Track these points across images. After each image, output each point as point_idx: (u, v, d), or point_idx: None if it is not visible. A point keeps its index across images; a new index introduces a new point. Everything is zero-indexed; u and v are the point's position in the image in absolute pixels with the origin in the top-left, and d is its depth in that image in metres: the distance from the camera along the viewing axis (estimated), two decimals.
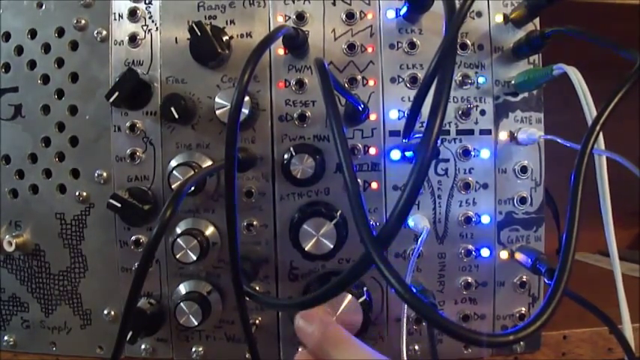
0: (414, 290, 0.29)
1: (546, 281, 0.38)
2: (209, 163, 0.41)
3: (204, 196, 0.41)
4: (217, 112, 0.39)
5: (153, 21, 0.42)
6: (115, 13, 0.42)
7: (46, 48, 0.43)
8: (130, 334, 0.38)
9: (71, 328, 0.44)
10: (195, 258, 0.38)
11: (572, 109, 0.39)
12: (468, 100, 0.42)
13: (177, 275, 0.42)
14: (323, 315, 0.36)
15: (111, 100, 0.39)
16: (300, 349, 0.37)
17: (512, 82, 0.42)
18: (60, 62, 0.43)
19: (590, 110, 0.33)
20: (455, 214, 0.42)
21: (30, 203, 0.44)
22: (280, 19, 0.41)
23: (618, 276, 0.31)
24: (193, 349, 0.43)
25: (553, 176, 0.44)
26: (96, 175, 0.42)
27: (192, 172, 0.38)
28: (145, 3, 0.42)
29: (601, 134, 0.31)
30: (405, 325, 0.30)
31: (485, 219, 0.42)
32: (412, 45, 0.42)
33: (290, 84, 0.41)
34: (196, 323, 0.39)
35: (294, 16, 0.41)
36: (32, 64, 0.43)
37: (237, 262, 0.34)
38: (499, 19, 0.42)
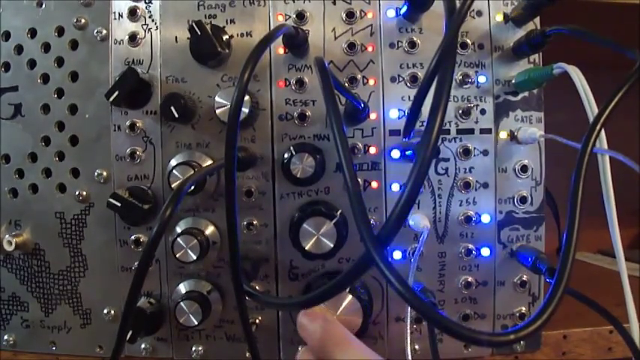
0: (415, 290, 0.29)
1: (547, 280, 0.38)
2: (209, 162, 0.41)
3: (204, 196, 0.41)
4: (217, 111, 0.39)
5: (153, 20, 0.42)
6: (115, 13, 0.42)
7: (46, 47, 0.43)
8: (130, 333, 0.38)
9: (71, 328, 0.44)
10: (195, 257, 0.38)
11: (572, 109, 0.39)
12: (468, 100, 0.42)
13: (177, 274, 0.42)
14: (326, 314, 0.36)
15: (111, 99, 0.39)
16: (301, 348, 0.37)
17: (513, 81, 0.42)
18: (60, 61, 0.43)
19: (591, 109, 0.33)
20: (455, 214, 0.42)
21: (30, 202, 0.44)
22: (280, 18, 0.41)
23: (624, 276, 0.30)
24: (193, 349, 0.43)
25: (553, 176, 0.44)
26: (96, 174, 0.42)
27: (192, 172, 0.38)
28: (145, 2, 0.42)
29: (603, 133, 0.31)
30: (409, 325, 0.30)
31: (486, 218, 0.42)
32: (412, 44, 0.42)
33: (290, 83, 0.41)
34: (196, 323, 0.39)
35: (294, 15, 0.41)
36: (32, 64, 0.43)
37: (237, 262, 0.34)
38: (499, 18, 0.42)
